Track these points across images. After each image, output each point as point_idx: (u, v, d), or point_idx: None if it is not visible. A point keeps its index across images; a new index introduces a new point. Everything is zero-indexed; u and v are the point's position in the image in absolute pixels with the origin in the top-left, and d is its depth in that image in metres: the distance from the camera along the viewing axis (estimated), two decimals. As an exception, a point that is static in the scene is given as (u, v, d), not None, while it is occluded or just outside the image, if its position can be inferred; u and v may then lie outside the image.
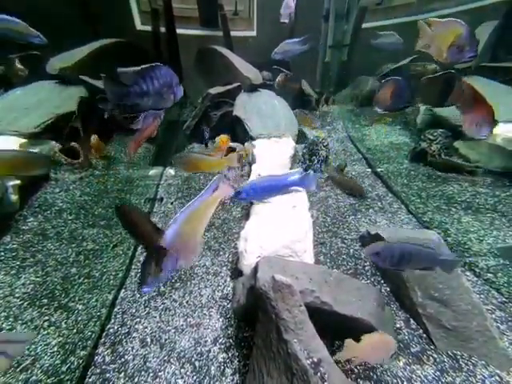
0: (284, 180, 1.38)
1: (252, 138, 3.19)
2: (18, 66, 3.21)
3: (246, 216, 2.29)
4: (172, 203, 2.64)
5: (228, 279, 1.90)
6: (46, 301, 1.72)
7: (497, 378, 1.35)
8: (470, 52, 1.65)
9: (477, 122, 1.63)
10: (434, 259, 1.27)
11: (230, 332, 1.58)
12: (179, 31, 4.26)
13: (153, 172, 3.08)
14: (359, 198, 2.64)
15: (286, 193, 1.40)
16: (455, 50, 1.66)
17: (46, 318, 1.63)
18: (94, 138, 2.91)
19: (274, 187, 1.39)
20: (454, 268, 1.34)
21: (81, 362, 1.44)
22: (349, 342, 1.20)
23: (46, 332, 1.55)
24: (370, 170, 3.13)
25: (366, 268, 1.95)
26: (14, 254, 1.99)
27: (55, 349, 1.48)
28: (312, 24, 4.74)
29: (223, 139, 3.33)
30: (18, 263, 1.93)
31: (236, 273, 1.89)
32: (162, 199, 2.68)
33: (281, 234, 1.83)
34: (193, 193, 2.76)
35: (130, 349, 1.51)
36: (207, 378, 1.38)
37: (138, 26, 4.41)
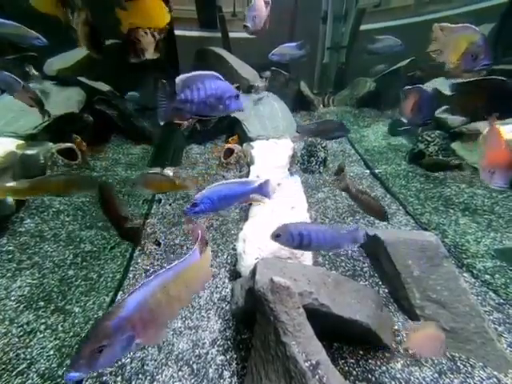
0: (241, 188, 1.32)
1: (250, 140, 3.19)
2: (33, 71, 3.21)
3: (245, 217, 2.29)
4: (170, 204, 2.63)
5: (226, 281, 1.89)
6: (42, 303, 1.70)
7: (495, 380, 1.35)
8: (484, 60, 1.53)
9: (490, 169, 1.37)
10: (337, 235, 1.32)
11: (228, 334, 1.57)
12: (177, 32, 4.25)
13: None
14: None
15: (245, 201, 1.37)
16: (469, 57, 1.55)
17: (43, 320, 1.61)
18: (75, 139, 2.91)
19: (232, 196, 1.32)
20: (360, 237, 1.34)
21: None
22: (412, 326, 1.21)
23: (42, 335, 1.54)
24: (368, 171, 3.14)
25: (365, 270, 1.95)
26: (10, 256, 1.98)
27: (51, 352, 1.47)
28: (311, 25, 4.77)
29: (235, 138, 3.46)
30: (15, 265, 1.92)
31: (234, 274, 1.89)
32: (160, 200, 2.67)
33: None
34: (191, 194, 2.75)
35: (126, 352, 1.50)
36: (205, 380, 1.37)
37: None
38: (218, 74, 1.25)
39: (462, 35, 1.57)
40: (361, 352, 1.46)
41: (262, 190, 1.35)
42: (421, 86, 1.83)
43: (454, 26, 1.62)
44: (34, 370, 1.39)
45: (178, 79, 1.17)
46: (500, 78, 1.74)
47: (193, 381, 1.37)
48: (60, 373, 1.39)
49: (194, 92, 1.19)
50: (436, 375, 1.37)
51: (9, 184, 1.63)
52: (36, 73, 3.24)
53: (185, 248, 2.14)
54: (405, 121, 1.89)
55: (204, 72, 1.22)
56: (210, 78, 1.22)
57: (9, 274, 1.85)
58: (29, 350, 1.47)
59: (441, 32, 1.67)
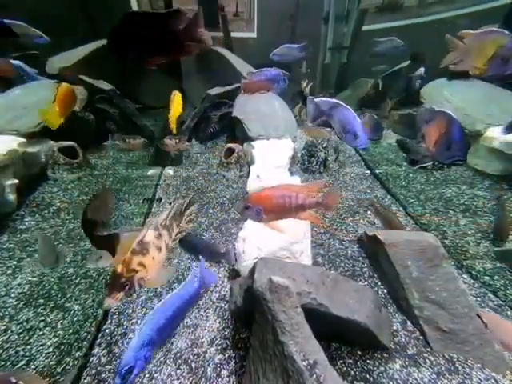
0: (184, 297, 1.17)
1: (251, 139, 3.19)
2: None
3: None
4: (170, 203, 2.63)
5: (225, 280, 1.89)
6: (42, 301, 1.71)
7: (493, 381, 1.34)
8: None
9: None
10: (214, 251, 1.54)
11: (226, 333, 1.57)
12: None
13: (151, 172, 3.08)
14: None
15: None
16: (498, 61, 1.48)
17: (42, 318, 1.62)
18: None
19: (180, 313, 1.12)
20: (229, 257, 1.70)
21: (76, 362, 1.43)
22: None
23: (41, 332, 1.55)
24: (368, 171, 3.14)
25: (364, 270, 1.95)
26: (10, 253, 1.99)
27: (50, 349, 1.48)
28: (313, 26, 4.77)
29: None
30: (15, 263, 1.92)
31: (233, 274, 1.89)
32: (160, 199, 2.68)
33: (279, 236, 1.82)
34: (191, 194, 2.76)
35: (126, 350, 1.50)
36: (203, 379, 1.37)
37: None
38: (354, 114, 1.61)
39: (489, 39, 1.50)
40: (359, 352, 1.46)
41: (206, 282, 1.30)
42: (450, 112, 1.60)
43: (476, 31, 1.56)
44: (32, 367, 1.40)
45: (327, 100, 1.66)
46: None
47: (191, 379, 1.37)
48: (59, 370, 1.40)
49: (332, 111, 1.60)
50: (434, 376, 1.36)
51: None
52: None
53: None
54: (425, 151, 1.73)
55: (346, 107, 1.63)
56: (348, 111, 1.57)
57: (9, 272, 1.86)
58: (28, 347, 1.48)
59: (457, 41, 1.60)
